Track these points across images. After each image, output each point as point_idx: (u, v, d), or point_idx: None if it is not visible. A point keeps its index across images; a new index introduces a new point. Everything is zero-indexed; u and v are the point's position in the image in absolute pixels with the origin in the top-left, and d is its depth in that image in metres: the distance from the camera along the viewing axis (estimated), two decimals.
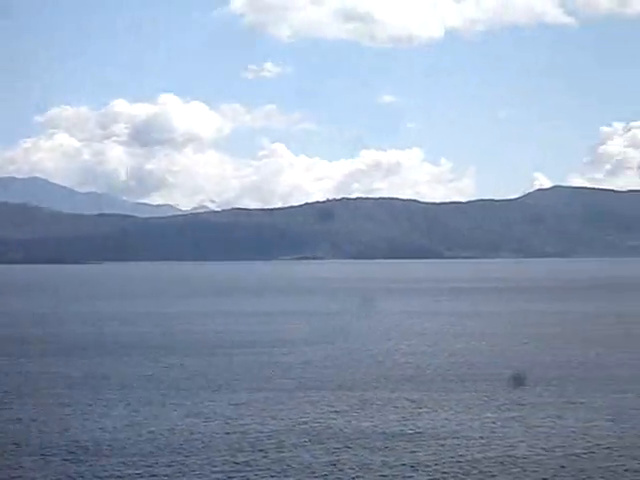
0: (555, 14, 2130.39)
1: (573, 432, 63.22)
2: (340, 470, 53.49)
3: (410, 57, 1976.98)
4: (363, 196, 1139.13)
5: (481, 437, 61.73)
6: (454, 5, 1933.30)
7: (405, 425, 65.59)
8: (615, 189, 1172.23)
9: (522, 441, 60.54)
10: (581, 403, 74.42)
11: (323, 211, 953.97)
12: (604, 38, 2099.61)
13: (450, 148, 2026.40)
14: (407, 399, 76.34)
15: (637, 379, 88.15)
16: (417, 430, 63.89)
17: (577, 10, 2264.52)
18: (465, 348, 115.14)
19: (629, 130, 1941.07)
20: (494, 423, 66.46)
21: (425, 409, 71.95)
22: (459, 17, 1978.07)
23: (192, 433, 63.16)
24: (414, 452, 57.46)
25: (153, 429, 64.38)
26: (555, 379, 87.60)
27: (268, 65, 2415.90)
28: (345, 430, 63.94)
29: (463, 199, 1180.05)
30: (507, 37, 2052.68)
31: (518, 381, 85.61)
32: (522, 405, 73.76)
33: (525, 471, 53.10)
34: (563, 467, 53.95)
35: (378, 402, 74.88)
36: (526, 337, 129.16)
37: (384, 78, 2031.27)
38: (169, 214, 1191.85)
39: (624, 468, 53.58)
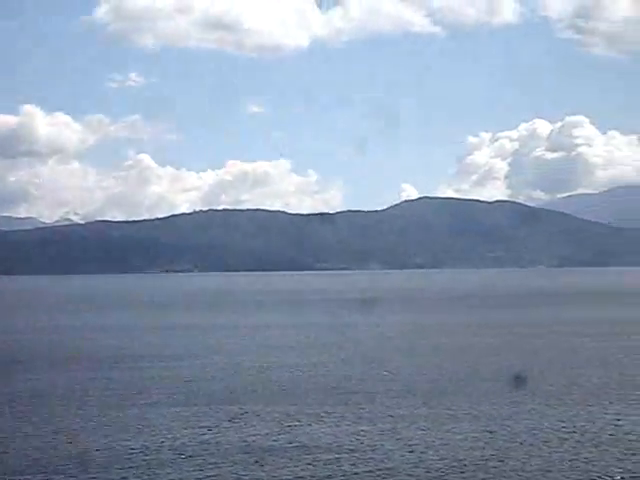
0: (422, 24, 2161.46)
1: (445, 444, 63.32)
2: None
3: (276, 67, 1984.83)
4: (230, 207, 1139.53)
5: (353, 450, 61.17)
6: (320, 15, 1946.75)
7: (278, 439, 64.62)
8: (482, 199, 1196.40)
9: (395, 453, 60.17)
10: (450, 415, 74.75)
11: (190, 223, 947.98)
12: (471, 48, 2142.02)
13: (317, 159, 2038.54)
14: (280, 412, 75.37)
15: (502, 389, 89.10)
16: (290, 444, 62.98)
17: (444, 19, 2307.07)
18: (335, 360, 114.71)
19: (496, 140, 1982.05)
20: (366, 436, 65.99)
21: (298, 423, 71.10)
22: (325, 26, 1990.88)
23: (43, 452, 60.95)
24: (287, 467, 56.53)
25: None
26: (425, 391, 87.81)
27: (133, 75, 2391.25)
28: (216, 445, 62.63)
29: (330, 210, 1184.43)
30: (373, 46, 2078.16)
31: (390, 393, 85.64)
32: (394, 417, 73.56)
33: None
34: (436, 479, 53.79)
35: (251, 416, 73.73)
36: (395, 348, 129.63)
37: (251, 88, 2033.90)
38: (33, 226, 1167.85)
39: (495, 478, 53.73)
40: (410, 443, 63.58)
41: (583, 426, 69.19)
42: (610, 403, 79.75)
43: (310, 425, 69.82)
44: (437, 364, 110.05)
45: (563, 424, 70.17)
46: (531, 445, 62.93)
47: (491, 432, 67.15)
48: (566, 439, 64.95)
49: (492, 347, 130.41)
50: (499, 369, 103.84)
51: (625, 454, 59.99)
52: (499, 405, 78.70)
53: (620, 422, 70.65)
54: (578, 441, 64.37)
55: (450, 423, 70.66)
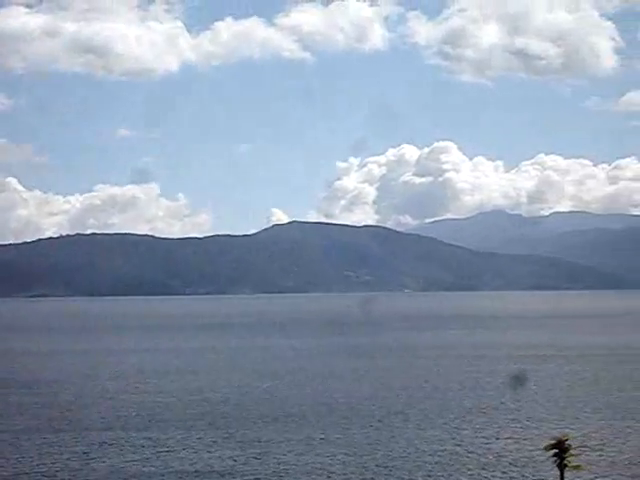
0: (292, 49, 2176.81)
1: (316, 469, 64.55)
2: None
3: (146, 91, 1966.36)
4: (98, 232, 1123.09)
5: (224, 474, 61.86)
6: (190, 39, 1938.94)
7: (148, 465, 64.91)
8: (351, 224, 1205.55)
9: (265, 477, 61.06)
10: (321, 439, 75.77)
11: (57, 247, 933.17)
12: (341, 73, 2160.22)
13: (187, 183, 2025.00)
14: (151, 438, 75.60)
15: (373, 413, 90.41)
16: (161, 470, 63.36)
17: (314, 45, 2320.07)
18: (199, 385, 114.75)
19: (364, 166, 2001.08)
20: (238, 460, 66.72)
21: (165, 448, 71.45)
22: (195, 51, 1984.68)
23: None
24: None
25: None
26: (296, 414, 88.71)
27: None
28: (84, 473, 62.56)
29: (200, 235, 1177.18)
30: (243, 72, 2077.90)
31: (262, 417, 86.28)
32: (263, 442, 74.34)
33: None
34: None
35: (122, 442, 73.83)
36: (256, 373, 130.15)
37: (120, 112, 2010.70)
38: None
39: None
40: (281, 468, 64.52)
41: (453, 449, 71.26)
42: (481, 426, 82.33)
43: (175, 451, 70.28)
44: (304, 388, 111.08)
45: (435, 446, 72.08)
46: (402, 469, 64.75)
47: (361, 456, 68.51)
48: (438, 462, 66.89)
49: (357, 371, 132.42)
50: (369, 393, 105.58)
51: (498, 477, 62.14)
52: (370, 429, 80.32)
53: (490, 444, 72.77)
54: (448, 463, 66.26)
55: (322, 447, 71.71)
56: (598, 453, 67.65)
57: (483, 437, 76.22)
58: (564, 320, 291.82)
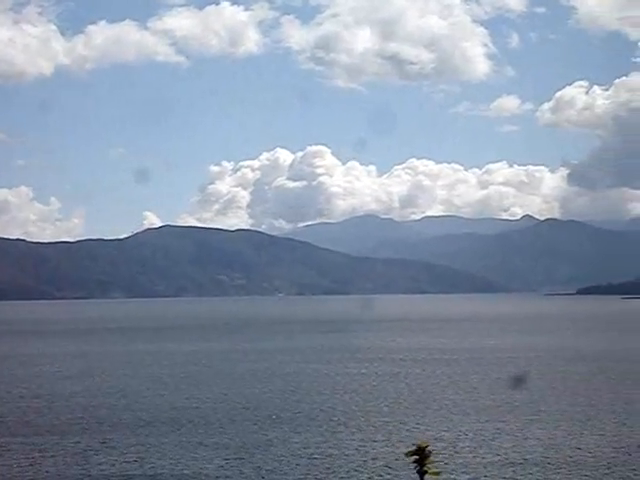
0: (166, 52, 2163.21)
1: (192, 472, 63.91)
2: None
3: (19, 94, 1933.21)
4: None
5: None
6: (64, 42, 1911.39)
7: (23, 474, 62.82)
8: (224, 228, 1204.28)
9: None
10: (197, 443, 75.13)
11: None
12: (215, 77, 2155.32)
13: (60, 187, 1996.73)
14: (21, 443, 73.40)
15: (246, 417, 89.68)
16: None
17: (188, 49, 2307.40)
18: (72, 390, 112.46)
19: (238, 170, 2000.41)
20: (115, 465, 65.19)
21: (39, 454, 69.44)
22: (69, 55, 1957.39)
23: None
24: None
25: None
26: (174, 419, 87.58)
27: None
28: None
29: (72, 239, 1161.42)
30: (117, 75, 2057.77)
31: (138, 422, 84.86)
32: (143, 446, 73.02)
33: None
34: None
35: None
36: (128, 377, 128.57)
37: None
38: None
39: None
40: (157, 472, 63.40)
41: (330, 452, 70.76)
42: (356, 430, 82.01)
43: (50, 458, 68.45)
44: (178, 392, 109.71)
45: (310, 450, 71.57)
46: (277, 472, 64.09)
47: (237, 460, 67.82)
48: (314, 465, 66.34)
49: (231, 375, 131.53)
50: (244, 398, 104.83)
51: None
52: (246, 433, 79.53)
53: (365, 448, 72.57)
54: (327, 467, 65.77)
55: (199, 451, 70.67)
56: (462, 458, 68.62)
57: (354, 440, 76.08)
58: (437, 324, 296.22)
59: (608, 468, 65.05)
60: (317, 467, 65.53)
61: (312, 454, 69.89)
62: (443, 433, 78.79)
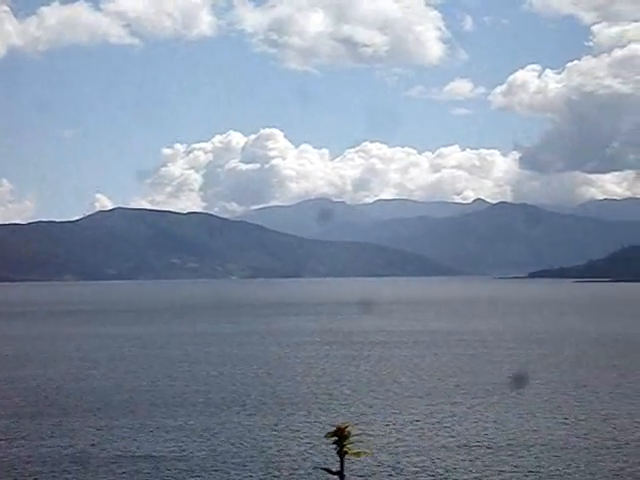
0: (120, 35, 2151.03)
1: (147, 454, 64.44)
2: None
3: None
4: None
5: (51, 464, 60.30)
6: (17, 24, 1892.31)
7: None
8: (176, 211, 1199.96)
9: (97, 466, 59.93)
10: (168, 424, 75.59)
11: None
12: (168, 59, 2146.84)
13: (12, 169, 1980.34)
14: None
15: (205, 400, 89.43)
16: None
17: (141, 31, 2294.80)
18: (22, 374, 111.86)
19: (190, 152, 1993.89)
20: (67, 449, 65.17)
21: None
22: (22, 36, 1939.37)
23: None
24: None
25: None
26: (126, 403, 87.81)
27: None
28: None
29: (23, 221, 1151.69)
30: (70, 57, 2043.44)
31: (87, 406, 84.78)
32: (95, 430, 73.15)
33: None
34: None
35: None
36: (82, 361, 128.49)
37: None
38: None
39: None
40: (112, 454, 63.77)
41: (282, 435, 71.64)
42: (308, 412, 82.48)
43: (6, 441, 68.53)
44: (134, 376, 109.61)
45: (262, 432, 72.46)
46: (231, 455, 64.91)
47: (194, 443, 68.20)
48: (267, 447, 67.16)
49: (188, 358, 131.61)
50: (199, 381, 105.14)
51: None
52: (202, 415, 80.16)
53: (316, 430, 73.02)
54: (279, 449, 66.50)
55: (153, 434, 71.29)
56: (411, 440, 69.82)
57: (307, 422, 77.34)
58: (390, 306, 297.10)
59: (558, 449, 66.07)
60: (269, 449, 66.31)
61: (264, 436, 70.71)
62: (394, 416, 79.60)
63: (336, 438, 29.99)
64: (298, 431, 72.88)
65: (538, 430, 72.90)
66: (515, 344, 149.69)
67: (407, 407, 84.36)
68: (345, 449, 28.83)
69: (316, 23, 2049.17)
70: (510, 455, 64.35)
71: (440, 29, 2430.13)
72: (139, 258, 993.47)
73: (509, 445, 67.58)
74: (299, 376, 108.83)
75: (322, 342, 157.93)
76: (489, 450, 65.81)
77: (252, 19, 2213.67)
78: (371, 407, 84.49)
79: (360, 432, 50.96)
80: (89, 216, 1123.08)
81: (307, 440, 69.05)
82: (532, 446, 67.06)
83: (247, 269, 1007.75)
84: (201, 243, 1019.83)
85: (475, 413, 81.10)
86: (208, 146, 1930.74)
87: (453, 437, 70.64)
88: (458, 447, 67.01)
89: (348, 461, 27.00)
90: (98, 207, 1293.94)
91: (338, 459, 28.46)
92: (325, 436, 26.94)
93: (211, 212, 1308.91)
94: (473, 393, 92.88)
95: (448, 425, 75.44)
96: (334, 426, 26.54)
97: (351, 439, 29.19)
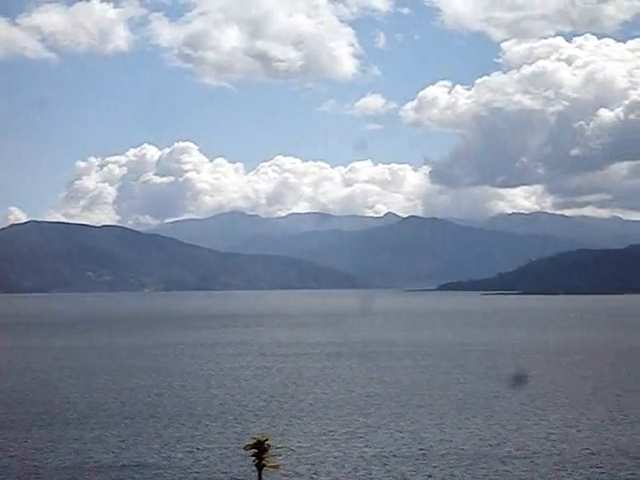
0: (36, 49, 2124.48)
1: (77, 466, 68.26)
2: None
3: None
4: None
5: None
6: None
7: None
8: (91, 224, 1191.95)
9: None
10: (89, 437, 79.52)
11: None
12: (83, 74, 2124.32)
13: None
14: None
15: (119, 411, 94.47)
16: None
17: (58, 45, 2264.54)
18: None
19: (105, 165, 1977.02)
20: None
21: None
22: None
23: None
24: None
25: None
26: (53, 415, 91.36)
27: None
28: None
29: None
30: None
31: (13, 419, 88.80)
32: (18, 441, 77.21)
33: None
34: None
35: None
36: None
37: None
38: None
39: None
40: (38, 465, 67.89)
41: (189, 445, 75.93)
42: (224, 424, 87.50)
43: None
44: (59, 389, 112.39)
45: (180, 443, 75.91)
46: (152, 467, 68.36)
47: (114, 452, 72.30)
48: (181, 460, 71.45)
49: (104, 370, 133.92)
50: (112, 393, 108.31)
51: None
52: (120, 427, 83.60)
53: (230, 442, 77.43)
54: (195, 459, 70.86)
55: (74, 445, 75.24)
56: (327, 452, 71.51)
57: (223, 433, 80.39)
58: (303, 319, 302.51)
59: (468, 458, 69.45)
60: (184, 460, 69.21)
61: (179, 448, 73.53)
62: (309, 427, 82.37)
63: (255, 450, 32.87)
64: (214, 442, 74.87)
65: (449, 440, 75.14)
66: (422, 356, 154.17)
67: (322, 418, 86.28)
68: (264, 462, 31.44)
69: (231, 38, 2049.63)
70: (423, 464, 66.50)
71: (353, 45, 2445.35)
72: (54, 271, 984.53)
73: (422, 455, 69.66)
74: (214, 388, 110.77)
75: (237, 354, 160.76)
76: (404, 460, 67.77)
77: (167, 34, 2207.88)
78: (286, 418, 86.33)
79: (279, 445, 51.48)
80: (3, 229, 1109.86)
81: (222, 452, 70.62)
82: (444, 455, 69.48)
83: (161, 282, 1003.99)
84: (115, 256, 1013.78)
85: (388, 423, 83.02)
86: (123, 159, 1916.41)
87: (368, 447, 72.36)
88: (373, 457, 68.82)
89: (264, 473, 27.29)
90: (12, 220, 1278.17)
91: (255, 471, 29.28)
92: (244, 448, 28.34)
93: (125, 225, 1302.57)
94: (385, 403, 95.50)
95: (362, 435, 77.26)
96: (253, 438, 27.31)
97: (270, 452, 31.52)
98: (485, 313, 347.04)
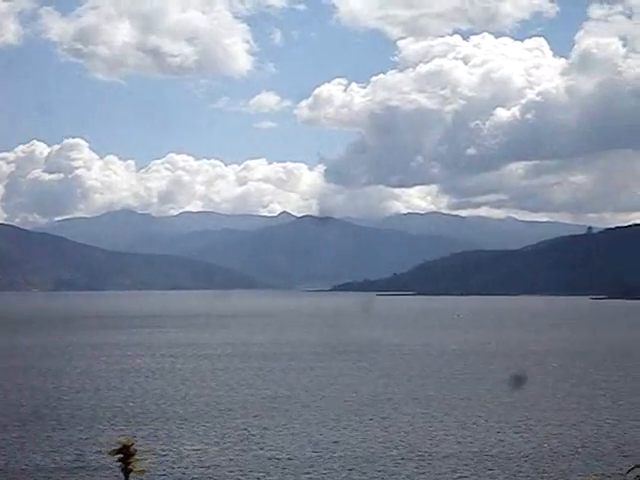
0: None
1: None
2: None
3: None
4: None
5: None
6: None
7: None
8: None
9: None
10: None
11: None
12: None
13: None
14: None
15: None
16: None
17: None
18: None
19: None
20: None
21: None
22: None
23: None
24: None
25: None
26: None
27: None
28: None
29: None
30: None
31: None
32: None
33: None
34: None
35: None
36: None
37: None
38: None
39: None
40: None
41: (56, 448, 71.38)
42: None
43: None
44: None
45: (45, 448, 72.26)
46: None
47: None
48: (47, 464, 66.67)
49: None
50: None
51: None
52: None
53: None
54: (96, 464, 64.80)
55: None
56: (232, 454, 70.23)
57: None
58: (197, 319, 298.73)
59: (363, 461, 68.04)
60: (67, 463, 66.46)
61: (65, 451, 70.83)
62: (202, 429, 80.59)
63: (121, 455, 29.98)
64: (94, 445, 72.43)
65: (344, 442, 74.75)
66: (317, 357, 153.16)
67: (213, 420, 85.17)
68: (130, 467, 29.83)
69: (123, 34, 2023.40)
70: (318, 466, 65.98)
71: (249, 42, 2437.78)
72: None
73: (318, 457, 69.05)
74: (103, 390, 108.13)
75: (127, 355, 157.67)
76: (296, 462, 66.91)
77: (58, 28, 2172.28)
78: (177, 421, 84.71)
79: (147, 449, 51.40)
80: None
81: (95, 457, 68.05)
82: (340, 457, 68.75)
83: (50, 282, 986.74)
84: (1, 255, 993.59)
85: (282, 425, 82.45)
86: (10, 156, 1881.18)
87: (262, 449, 71.65)
88: (269, 459, 68.17)
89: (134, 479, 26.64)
90: None
91: (122, 476, 28.92)
92: (109, 453, 27.24)
93: (12, 223, 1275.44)
94: (279, 405, 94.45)
95: (257, 438, 76.15)
96: (118, 442, 26.18)
97: (137, 456, 30.25)
98: (379, 314, 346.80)
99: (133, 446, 29.43)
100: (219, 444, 74.19)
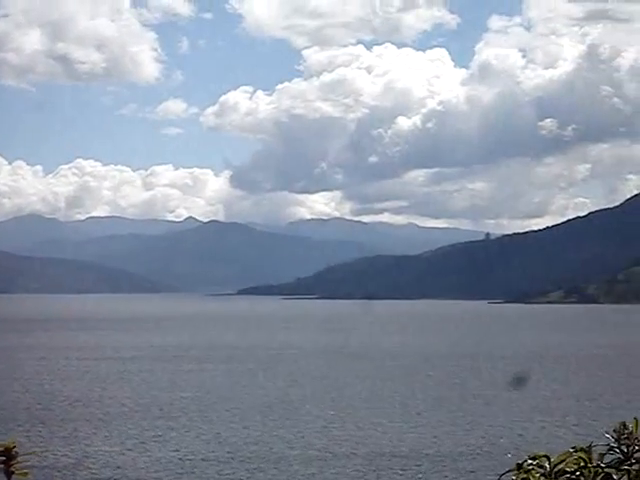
0: None
1: None
2: None
3: None
4: None
5: None
6: None
7: None
8: None
9: None
10: None
11: None
12: None
13: None
14: None
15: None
16: None
17: None
18: None
19: None
20: None
21: None
22: None
23: None
24: None
25: None
26: None
27: None
28: None
29: None
30: None
31: None
32: None
33: None
34: None
35: None
36: None
37: None
38: None
39: None
40: None
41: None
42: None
43: None
44: None
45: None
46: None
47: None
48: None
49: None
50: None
51: None
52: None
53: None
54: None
55: None
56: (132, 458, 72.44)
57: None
58: (106, 323, 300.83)
59: (274, 461, 73.65)
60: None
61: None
62: (105, 432, 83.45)
63: (3, 458, 37.67)
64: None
65: (255, 442, 77.05)
66: (226, 359, 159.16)
67: (123, 422, 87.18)
68: (12, 469, 35.90)
69: (32, 41, 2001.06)
70: (232, 466, 68.57)
71: (156, 50, 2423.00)
72: None
73: (231, 458, 71.33)
74: (19, 393, 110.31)
75: (38, 357, 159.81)
76: (214, 463, 69.40)
77: None
78: (92, 422, 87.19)
79: (38, 450, 51.47)
80: None
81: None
82: (250, 458, 71.27)
83: None
84: None
85: (194, 427, 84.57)
86: None
87: (176, 450, 73.58)
88: (181, 460, 70.17)
89: None
90: None
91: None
92: None
93: None
94: (189, 407, 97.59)
95: (168, 440, 78.21)
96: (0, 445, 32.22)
97: (19, 459, 35.90)
98: (286, 317, 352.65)
99: (15, 449, 35.29)
100: (125, 444, 75.79)
